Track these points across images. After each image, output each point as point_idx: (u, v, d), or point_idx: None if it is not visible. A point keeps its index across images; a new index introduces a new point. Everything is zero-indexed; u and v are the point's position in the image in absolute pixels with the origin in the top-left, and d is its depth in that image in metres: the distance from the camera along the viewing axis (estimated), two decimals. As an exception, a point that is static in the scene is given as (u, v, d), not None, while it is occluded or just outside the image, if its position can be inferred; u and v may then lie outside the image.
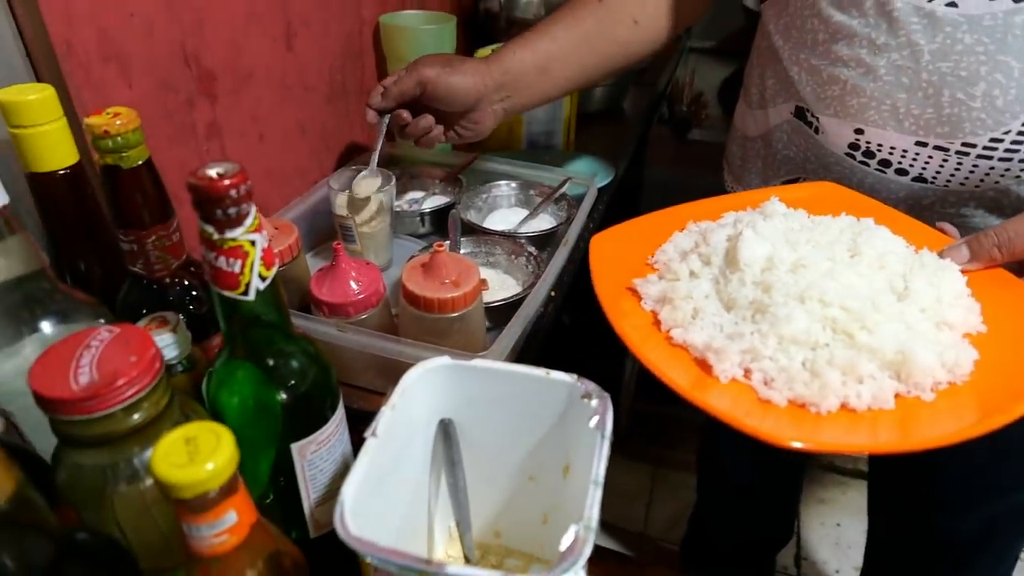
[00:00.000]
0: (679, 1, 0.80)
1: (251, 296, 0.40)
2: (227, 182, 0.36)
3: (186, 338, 0.47)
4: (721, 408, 0.42)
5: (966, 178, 0.60)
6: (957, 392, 0.42)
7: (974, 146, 0.58)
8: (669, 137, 1.63)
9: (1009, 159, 0.58)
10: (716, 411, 0.41)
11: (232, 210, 0.37)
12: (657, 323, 0.50)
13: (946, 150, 0.59)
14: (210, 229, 0.37)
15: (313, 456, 0.46)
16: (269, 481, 0.47)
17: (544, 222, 0.93)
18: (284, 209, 0.87)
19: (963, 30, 0.56)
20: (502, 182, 0.98)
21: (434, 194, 0.99)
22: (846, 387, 0.42)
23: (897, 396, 0.42)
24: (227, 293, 0.40)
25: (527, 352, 0.71)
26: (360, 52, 1.05)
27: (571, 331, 1.38)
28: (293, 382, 0.44)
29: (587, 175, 0.99)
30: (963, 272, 0.51)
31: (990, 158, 0.58)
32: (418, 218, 0.94)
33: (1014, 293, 0.48)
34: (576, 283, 0.82)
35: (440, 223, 0.94)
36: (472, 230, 0.88)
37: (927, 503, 0.87)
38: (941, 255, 0.52)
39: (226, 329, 0.42)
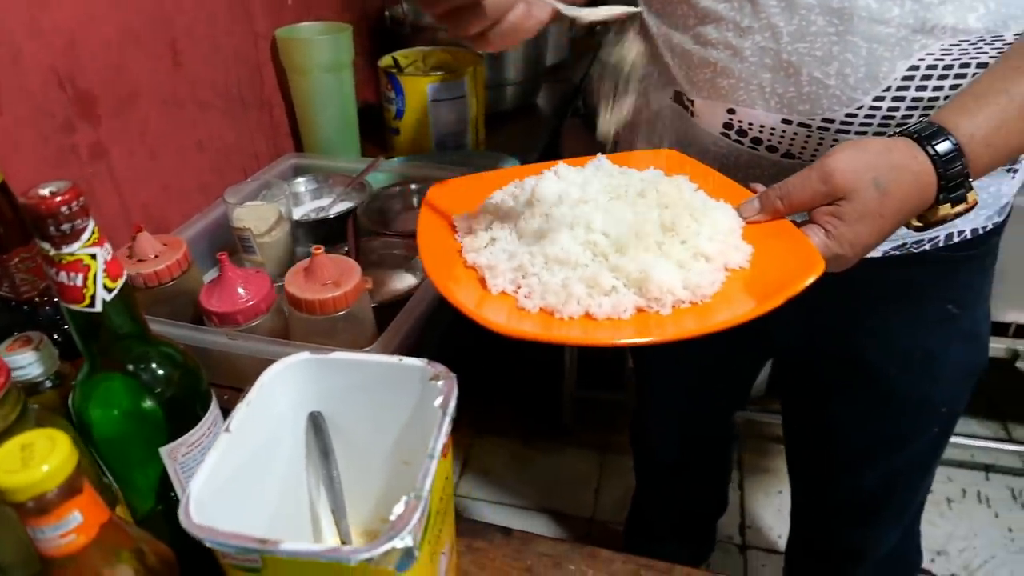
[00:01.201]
0: None
1: (98, 308, 0.41)
2: (58, 199, 0.38)
3: (51, 355, 0.48)
4: (472, 309, 0.46)
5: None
6: (695, 308, 0.48)
7: (832, 122, 0.62)
8: (583, 128, 1.67)
9: (864, 132, 0.62)
10: (459, 304, 0.47)
11: (66, 226, 0.38)
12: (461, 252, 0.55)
13: (808, 127, 0.63)
14: (47, 246, 0.39)
15: (185, 458, 0.47)
16: (157, 490, 0.49)
17: (447, 219, 0.95)
18: (184, 225, 0.88)
19: (816, 12, 0.59)
20: (405, 183, 1.00)
21: (340, 200, 1.01)
22: (591, 298, 0.47)
23: (640, 311, 0.48)
24: (74, 307, 0.41)
25: (425, 344, 0.73)
26: (258, 65, 1.06)
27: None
28: (158, 388, 0.46)
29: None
30: (753, 222, 0.55)
31: (847, 132, 0.62)
32: (322, 225, 0.96)
33: (787, 241, 0.53)
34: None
35: (343, 229, 0.95)
36: (376, 233, 0.90)
37: (830, 463, 0.92)
38: (738, 209, 0.56)
39: (81, 342, 0.43)
